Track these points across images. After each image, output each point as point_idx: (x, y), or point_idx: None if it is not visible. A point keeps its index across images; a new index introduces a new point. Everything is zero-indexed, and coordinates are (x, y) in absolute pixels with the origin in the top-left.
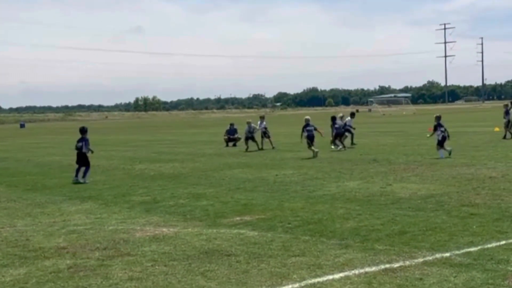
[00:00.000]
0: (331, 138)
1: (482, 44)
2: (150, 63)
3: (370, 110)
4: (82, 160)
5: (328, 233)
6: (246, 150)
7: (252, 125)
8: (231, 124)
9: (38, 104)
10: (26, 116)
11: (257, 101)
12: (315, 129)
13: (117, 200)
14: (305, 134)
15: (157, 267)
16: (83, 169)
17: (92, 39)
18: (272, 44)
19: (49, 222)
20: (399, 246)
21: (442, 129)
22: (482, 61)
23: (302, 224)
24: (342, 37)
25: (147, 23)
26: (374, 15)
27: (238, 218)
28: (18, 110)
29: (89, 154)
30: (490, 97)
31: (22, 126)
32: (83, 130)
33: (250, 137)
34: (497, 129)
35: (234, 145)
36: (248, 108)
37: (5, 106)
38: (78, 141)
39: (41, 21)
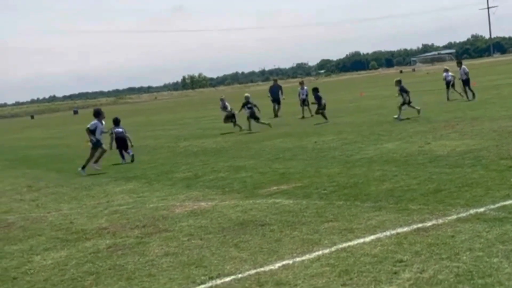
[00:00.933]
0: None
1: None
2: (194, 40)
3: (414, 70)
4: (123, 144)
5: (363, 196)
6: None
7: (226, 103)
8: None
9: (90, 90)
10: (79, 102)
11: (300, 70)
12: (255, 105)
13: (160, 178)
14: (247, 111)
15: (192, 241)
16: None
17: (136, 22)
18: (312, 11)
19: (93, 204)
20: (433, 205)
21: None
22: None
23: (337, 189)
24: None
25: (187, 1)
26: None
27: (275, 188)
28: (72, 97)
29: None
30: None
31: (75, 112)
32: (116, 120)
33: (229, 116)
34: None
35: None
36: (292, 77)
37: (59, 94)
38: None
39: (85, 7)
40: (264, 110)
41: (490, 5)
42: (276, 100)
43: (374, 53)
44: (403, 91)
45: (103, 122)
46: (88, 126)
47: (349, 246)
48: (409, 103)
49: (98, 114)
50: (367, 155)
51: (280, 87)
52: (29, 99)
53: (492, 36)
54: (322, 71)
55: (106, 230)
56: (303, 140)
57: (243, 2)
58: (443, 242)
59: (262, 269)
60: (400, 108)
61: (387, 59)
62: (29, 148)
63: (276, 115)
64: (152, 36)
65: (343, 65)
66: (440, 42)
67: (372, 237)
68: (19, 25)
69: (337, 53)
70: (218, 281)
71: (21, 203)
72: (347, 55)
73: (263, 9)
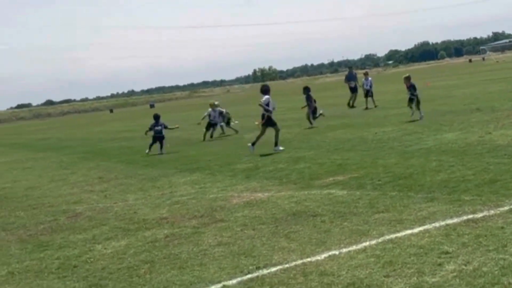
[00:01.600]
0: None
1: None
2: (264, 33)
3: (484, 59)
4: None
5: (417, 187)
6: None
7: (218, 109)
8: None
9: (166, 84)
10: (156, 96)
11: (369, 61)
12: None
13: (222, 169)
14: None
15: (245, 231)
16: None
17: (209, 16)
18: (380, 1)
19: (157, 194)
20: (486, 196)
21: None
22: None
23: (392, 180)
24: None
25: None
26: None
27: (331, 179)
28: (149, 91)
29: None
30: None
31: (151, 106)
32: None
33: (213, 123)
34: None
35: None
36: (361, 69)
37: (137, 88)
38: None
39: (160, 3)
40: (334, 100)
41: None
42: (353, 89)
43: (443, 42)
44: (412, 88)
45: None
46: (262, 100)
47: (396, 237)
48: (417, 102)
49: (267, 91)
50: (425, 146)
51: (355, 75)
52: (109, 94)
53: None
54: (390, 62)
55: (165, 220)
56: (364, 131)
57: None
58: (492, 233)
59: (308, 259)
60: (413, 107)
61: (456, 48)
62: (105, 140)
63: (351, 106)
64: (223, 31)
65: (412, 55)
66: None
67: (421, 228)
68: (100, 21)
69: (405, 43)
70: (265, 271)
71: (90, 194)
72: (415, 45)
73: (331, 0)
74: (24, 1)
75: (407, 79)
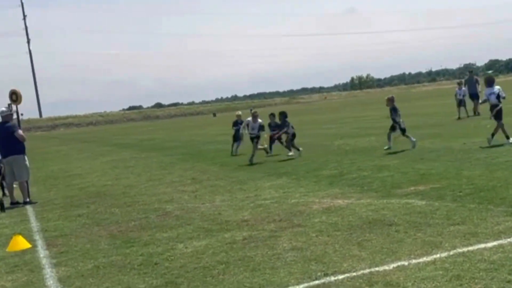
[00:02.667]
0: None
1: None
2: (364, 42)
3: None
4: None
5: (498, 200)
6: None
7: (248, 119)
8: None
9: (267, 90)
10: (256, 102)
11: (467, 71)
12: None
13: (308, 174)
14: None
15: (320, 237)
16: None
17: (309, 25)
18: (480, 11)
19: (243, 197)
20: None
21: None
22: None
23: (473, 192)
24: None
25: (359, 3)
26: None
27: (412, 188)
28: (251, 97)
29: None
30: None
31: (251, 111)
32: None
33: (253, 136)
34: None
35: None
36: (459, 78)
37: (240, 94)
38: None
39: (258, 12)
40: (428, 110)
41: None
42: (474, 95)
43: None
44: (393, 112)
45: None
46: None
47: (468, 251)
48: (402, 130)
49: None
50: None
51: (477, 80)
52: (213, 98)
53: None
54: (490, 71)
55: (246, 223)
56: (451, 141)
57: (413, 2)
58: None
59: (376, 268)
60: (391, 136)
61: None
62: (204, 143)
63: (475, 113)
64: (324, 38)
65: None
66: None
67: (495, 243)
68: (201, 28)
69: (507, 53)
70: (332, 278)
71: (182, 193)
72: None
73: (430, 9)
74: (137, 11)
75: (389, 100)
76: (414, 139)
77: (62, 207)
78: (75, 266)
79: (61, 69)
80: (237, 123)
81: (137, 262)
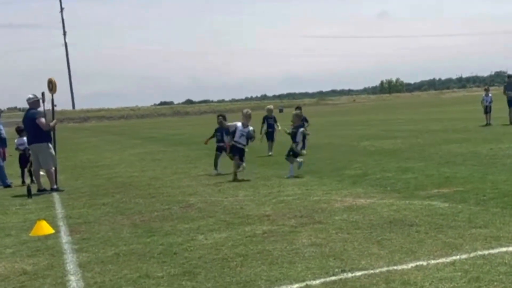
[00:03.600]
0: None
1: None
2: (395, 46)
3: None
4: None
5: None
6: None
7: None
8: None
9: (297, 91)
10: (285, 102)
11: (499, 78)
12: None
13: (332, 173)
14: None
15: (340, 234)
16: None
17: (341, 27)
18: None
19: (266, 192)
20: None
21: None
22: None
23: (497, 197)
24: None
25: (392, 7)
26: None
27: (435, 191)
28: (280, 97)
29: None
30: None
31: (280, 111)
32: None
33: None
34: None
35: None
36: (490, 85)
37: (270, 93)
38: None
39: (296, 13)
40: (472, 115)
41: None
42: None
43: None
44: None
45: None
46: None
47: (489, 254)
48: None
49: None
50: None
51: None
52: (243, 97)
53: None
54: None
55: (267, 217)
56: (479, 146)
57: (448, 7)
58: None
59: (394, 267)
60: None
61: None
62: None
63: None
64: (355, 41)
65: None
66: None
67: None
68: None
69: None
70: (349, 275)
71: (206, 187)
72: None
73: (464, 15)
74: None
75: (297, 116)
76: (300, 160)
77: (88, 195)
78: (95, 253)
79: (95, 63)
80: (267, 119)
81: (157, 251)
